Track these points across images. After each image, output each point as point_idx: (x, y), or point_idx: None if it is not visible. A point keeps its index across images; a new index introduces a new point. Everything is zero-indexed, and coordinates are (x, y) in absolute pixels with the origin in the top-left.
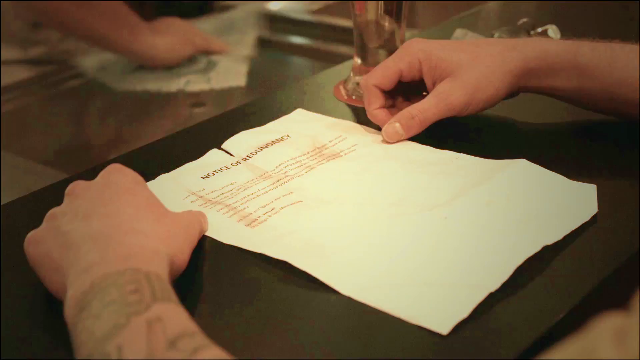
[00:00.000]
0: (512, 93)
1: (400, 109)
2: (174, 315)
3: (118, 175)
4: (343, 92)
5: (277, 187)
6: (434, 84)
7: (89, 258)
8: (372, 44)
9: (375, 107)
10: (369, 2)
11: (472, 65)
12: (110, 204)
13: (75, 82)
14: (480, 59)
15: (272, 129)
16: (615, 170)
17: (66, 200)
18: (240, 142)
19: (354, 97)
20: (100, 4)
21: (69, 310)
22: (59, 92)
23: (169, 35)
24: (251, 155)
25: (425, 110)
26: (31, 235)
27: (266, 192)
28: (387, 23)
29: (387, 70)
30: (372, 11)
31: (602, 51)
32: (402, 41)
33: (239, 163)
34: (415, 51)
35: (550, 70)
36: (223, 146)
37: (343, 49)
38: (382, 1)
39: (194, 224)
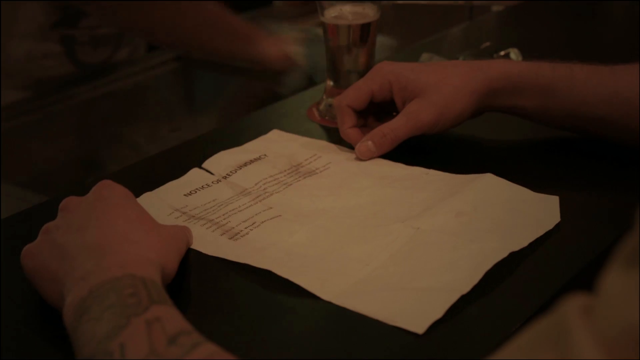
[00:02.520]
0: (478, 112)
1: (372, 128)
2: (171, 316)
3: (109, 191)
4: (316, 113)
5: (256, 202)
6: (403, 104)
7: (85, 267)
8: (344, 67)
9: (348, 126)
10: (340, 28)
11: (439, 85)
12: (103, 217)
13: (56, 106)
14: (447, 79)
15: (250, 148)
16: (576, 182)
17: (60, 214)
18: (220, 161)
19: (326, 118)
20: (218, 23)
21: (68, 316)
22: (40, 115)
23: (277, 42)
24: (230, 173)
25: (396, 128)
26: (27, 248)
27: (247, 207)
28: (358, 48)
29: (360, 91)
30: (344, 37)
31: (562, 71)
32: (372, 64)
33: (220, 181)
34: (386, 73)
35: (514, 90)
36: (203, 165)
37: None
38: (353, 27)
39: (181, 236)
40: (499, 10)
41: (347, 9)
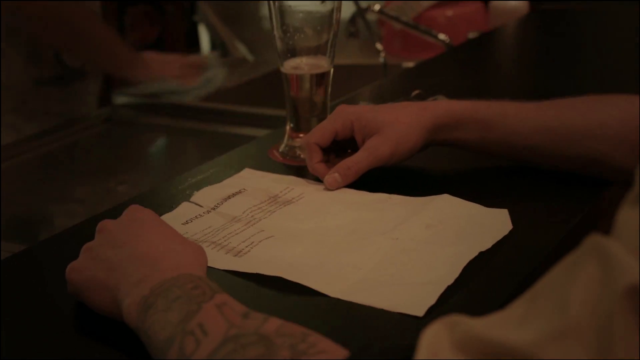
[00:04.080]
0: (426, 145)
1: (334, 163)
2: (234, 301)
3: (140, 212)
4: (277, 154)
5: (248, 227)
6: (363, 140)
7: (140, 272)
8: (306, 114)
9: (316, 162)
10: (299, 77)
11: (394, 123)
12: (141, 233)
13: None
14: (401, 118)
15: (229, 184)
16: (518, 197)
17: (99, 235)
18: (206, 195)
19: (288, 158)
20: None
21: (131, 314)
22: None
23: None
24: (218, 205)
25: (359, 162)
26: (72, 265)
27: (241, 231)
28: (315, 95)
29: (325, 130)
30: (303, 86)
31: (495, 107)
32: (327, 109)
33: (210, 212)
34: (348, 114)
35: (456, 125)
36: (192, 199)
37: (237, 130)
38: (311, 77)
39: (203, 251)
40: (408, 67)
41: (303, 60)
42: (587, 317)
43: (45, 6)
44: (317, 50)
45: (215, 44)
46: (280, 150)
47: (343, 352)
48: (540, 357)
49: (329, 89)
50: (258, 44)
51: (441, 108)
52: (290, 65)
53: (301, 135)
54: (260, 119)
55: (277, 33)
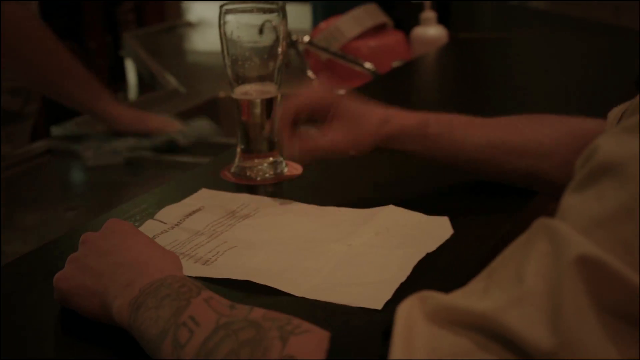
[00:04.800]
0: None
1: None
2: (219, 296)
3: (119, 224)
4: (229, 174)
5: (212, 239)
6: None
7: (127, 277)
8: (256, 137)
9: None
10: (250, 103)
11: (360, 124)
12: (123, 242)
13: None
14: (365, 125)
15: (187, 203)
16: (462, 204)
17: (83, 246)
18: (169, 213)
19: (239, 177)
20: (74, 69)
21: (122, 314)
22: None
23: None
24: (180, 221)
25: (319, 148)
26: (59, 275)
27: (206, 243)
28: (263, 118)
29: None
30: (256, 114)
31: (444, 121)
32: (275, 131)
33: (174, 227)
34: (332, 95)
35: (406, 138)
36: (156, 217)
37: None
38: (260, 102)
39: (179, 257)
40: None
41: (252, 87)
42: (540, 285)
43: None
44: (265, 78)
45: (143, 78)
46: (232, 170)
47: (325, 332)
48: (502, 319)
49: (277, 113)
50: (187, 76)
51: (397, 124)
52: (240, 92)
53: (252, 157)
54: (198, 146)
55: (227, 62)
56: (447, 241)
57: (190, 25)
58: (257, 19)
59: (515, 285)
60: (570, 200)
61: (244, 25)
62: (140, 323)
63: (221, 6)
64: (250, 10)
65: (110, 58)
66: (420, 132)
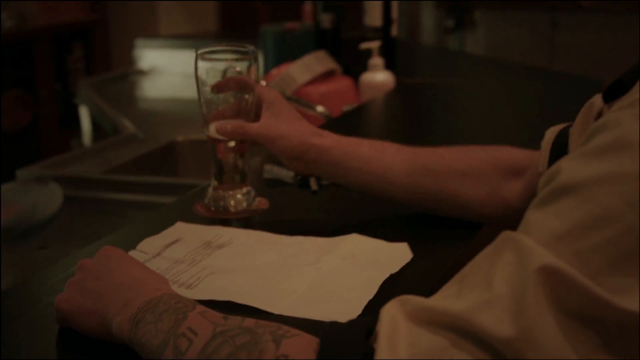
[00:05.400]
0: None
1: None
2: (211, 310)
3: (112, 250)
4: (201, 208)
5: (192, 267)
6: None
7: (125, 297)
8: (230, 172)
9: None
10: (226, 143)
11: (299, 120)
12: (118, 266)
13: None
14: (303, 121)
15: (165, 235)
16: (419, 231)
17: (80, 272)
18: (149, 244)
19: (212, 209)
20: None
21: (123, 330)
22: None
23: None
24: (161, 252)
25: (251, 129)
26: (60, 297)
27: (187, 270)
28: (236, 155)
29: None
30: (232, 155)
31: (377, 146)
32: (247, 167)
33: (155, 257)
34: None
35: (334, 164)
36: (137, 248)
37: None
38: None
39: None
40: None
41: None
42: (506, 290)
43: None
44: (238, 114)
45: (98, 124)
46: (205, 202)
47: (314, 337)
48: (474, 320)
49: (249, 149)
50: (143, 121)
51: (332, 138)
52: (214, 130)
53: (227, 189)
54: (161, 186)
55: (201, 102)
56: (408, 264)
57: (142, 72)
58: (221, 65)
59: (485, 290)
60: (533, 216)
61: (212, 70)
62: (140, 336)
63: (196, 50)
64: (217, 57)
65: (61, 105)
66: (353, 150)
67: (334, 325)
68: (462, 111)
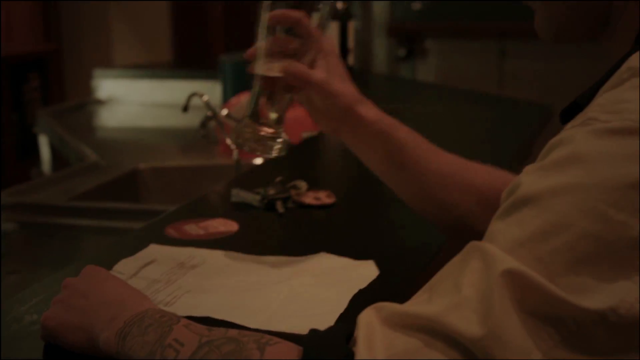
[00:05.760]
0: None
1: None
2: (195, 323)
3: (96, 269)
4: (173, 231)
5: (168, 286)
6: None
7: (111, 313)
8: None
9: None
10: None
11: (348, 80)
12: (103, 284)
13: None
14: (350, 83)
15: (140, 256)
16: (384, 249)
17: (66, 290)
18: (125, 265)
19: (247, 149)
20: None
21: (110, 344)
22: None
23: None
24: (137, 272)
25: (314, 74)
26: (47, 314)
27: (163, 289)
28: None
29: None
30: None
31: (414, 136)
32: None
33: (132, 277)
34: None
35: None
36: (114, 269)
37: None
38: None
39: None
40: (258, 163)
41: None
42: (474, 293)
43: None
44: (286, 55)
45: (58, 153)
46: (239, 141)
47: (295, 345)
48: (445, 321)
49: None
50: (104, 149)
51: (376, 110)
52: (268, 67)
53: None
54: (124, 213)
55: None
56: (375, 280)
57: (100, 102)
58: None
59: (454, 294)
60: (497, 226)
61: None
62: (128, 349)
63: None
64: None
65: (18, 135)
66: (390, 129)
67: (315, 331)
68: None
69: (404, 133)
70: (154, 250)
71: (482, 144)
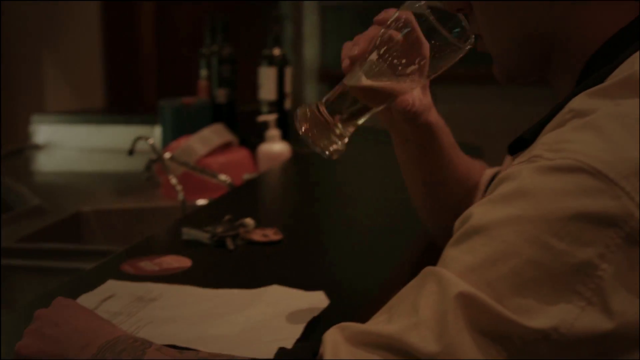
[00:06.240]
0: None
1: None
2: (167, 347)
3: (66, 300)
4: (129, 267)
5: (129, 318)
6: None
7: (84, 340)
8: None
9: None
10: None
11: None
12: (74, 313)
13: None
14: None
15: (99, 292)
16: (335, 278)
17: (38, 320)
18: (86, 300)
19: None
20: None
21: None
22: None
23: None
24: (98, 306)
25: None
26: (20, 344)
27: (126, 321)
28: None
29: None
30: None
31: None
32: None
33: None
34: None
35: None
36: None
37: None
38: None
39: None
40: (203, 204)
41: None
42: (430, 314)
43: None
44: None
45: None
46: (307, 114)
47: None
48: (404, 339)
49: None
50: (46, 193)
51: (430, 121)
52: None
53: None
54: (70, 253)
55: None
56: (325, 309)
57: (37, 147)
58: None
59: (412, 315)
60: (450, 253)
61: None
62: None
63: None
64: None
65: None
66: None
67: (283, 349)
68: (351, 177)
69: (448, 133)
70: (112, 285)
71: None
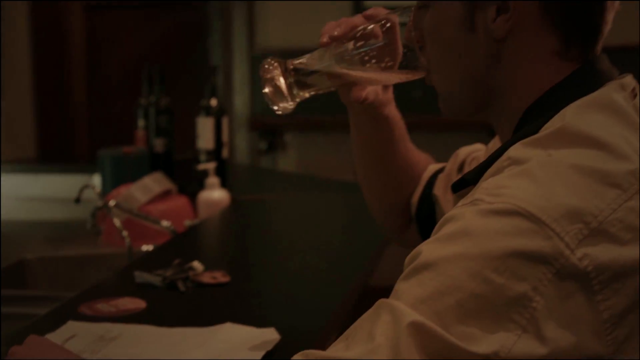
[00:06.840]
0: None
1: None
2: None
3: (39, 338)
4: (86, 309)
5: (94, 355)
6: None
7: None
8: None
9: None
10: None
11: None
12: (49, 350)
13: None
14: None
15: (60, 332)
16: (286, 314)
17: (13, 357)
18: (51, 338)
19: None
20: None
21: None
22: None
23: None
24: (62, 345)
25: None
26: None
27: (91, 358)
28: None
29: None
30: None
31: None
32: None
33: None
34: None
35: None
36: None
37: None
38: None
39: None
40: (150, 249)
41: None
42: (385, 341)
43: None
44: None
45: None
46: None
47: None
48: None
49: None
50: None
51: (388, 115)
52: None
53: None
54: (16, 299)
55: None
56: (278, 343)
57: None
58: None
59: (369, 342)
60: (402, 286)
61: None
62: None
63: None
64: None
65: None
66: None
67: None
68: (290, 223)
69: (402, 127)
70: (72, 326)
71: (350, 227)
